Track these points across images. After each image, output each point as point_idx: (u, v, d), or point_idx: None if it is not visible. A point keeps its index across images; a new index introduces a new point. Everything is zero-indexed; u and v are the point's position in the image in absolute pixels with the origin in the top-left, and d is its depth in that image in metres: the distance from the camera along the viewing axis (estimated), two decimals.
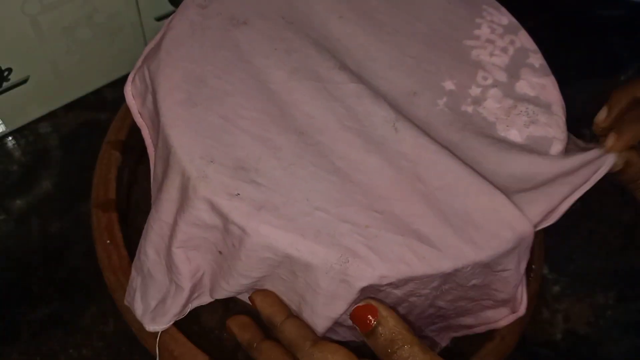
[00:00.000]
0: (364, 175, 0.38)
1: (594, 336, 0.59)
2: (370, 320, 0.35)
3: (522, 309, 0.45)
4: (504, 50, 0.47)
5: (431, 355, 0.35)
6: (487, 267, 0.38)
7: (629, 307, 0.60)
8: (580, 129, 0.71)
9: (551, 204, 0.39)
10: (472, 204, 0.38)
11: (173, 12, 0.62)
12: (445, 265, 0.36)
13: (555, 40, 0.76)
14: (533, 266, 0.50)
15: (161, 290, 0.40)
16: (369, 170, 0.38)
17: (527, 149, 0.42)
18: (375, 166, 0.39)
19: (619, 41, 0.77)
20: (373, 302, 0.36)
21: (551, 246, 0.62)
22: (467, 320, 0.45)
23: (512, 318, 0.45)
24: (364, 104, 0.41)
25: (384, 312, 0.35)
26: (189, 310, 0.41)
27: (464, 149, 0.41)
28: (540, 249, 0.51)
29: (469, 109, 0.44)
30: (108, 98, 0.66)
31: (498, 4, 0.50)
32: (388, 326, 0.35)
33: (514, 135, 0.43)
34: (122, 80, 0.66)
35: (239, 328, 0.41)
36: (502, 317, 0.45)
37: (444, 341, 0.48)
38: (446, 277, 0.37)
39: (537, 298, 0.49)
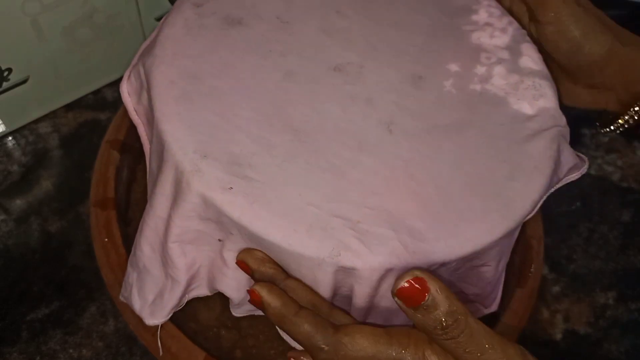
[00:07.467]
0: (358, 173, 0.38)
1: (594, 336, 0.58)
2: (423, 294, 0.31)
3: (494, 306, 0.46)
4: (503, 30, 0.47)
5: (483, 326, 0.32)
6: (469, 260, 0.38)
7: (629, 307, 0.60)
8: (580, 129, 0.72)
9: (545, 183, 0.40)
10: (462, 203, 0.38)
11: None
12: (437, 258, 0.36)
13: None
14: (532, 265, 0.50)
15: (158, 284, 0.41)
16: (363, 168, 0.39)
17: (538, 123, 0.42)
18: (369, 164, 0.39)
19: None
20: (419, 273, 0.31)
21: (551, 246, 0.62)
22: None
23: (482, 313, 0.46)
24: (359, 105, 0.42)
25: (434, 283, 0.31)
26: (186, 300, 0.42)
27: (477, 129, 0.42)
28: (539, 247, 0.51)
29: (477, 87, 0.44)
30: (108, 98, 0.66)
31: None
32: (443, 297, 0.31)
33: (526, 108, 0.43)
34: None
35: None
36: (473, 311, 0.46)
37: None
38: (432, 272, 0.37)
39: (537, 298, 0.49)
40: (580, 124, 0.70)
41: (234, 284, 0.39)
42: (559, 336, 0.58)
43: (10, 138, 0.63)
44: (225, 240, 0.38)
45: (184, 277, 0.39)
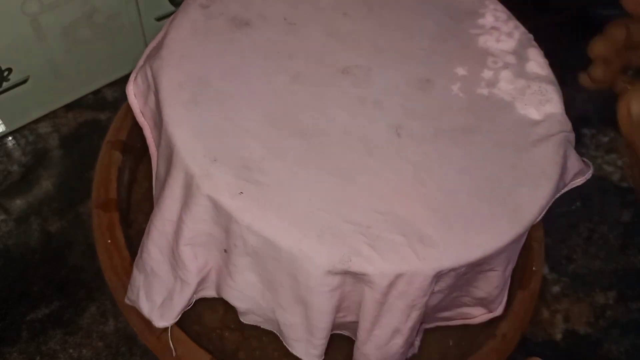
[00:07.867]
0: (367, 177, 0.38)
1: (594, 336, 0.59)
2: None
3: (499, 310, 0.46)
4: (510, 35, 0.47)
5: None
6: (477, 265, 0.38)
7: (629, 307, 0.60)
8: (581, 129, 0.72)
9: (552, 189, 0.40)
10: (471, 209, 0.38)
11: (173, 12, 0.62)
12: (446, 264, 0.36)
13: (556, 40, 0.76)
14: (533, 267, 0.50)
15: (166, 287, 0.41)
16: (372, 172, 0.39)
17: (545, 129, 0.42)
18: (378, 168, 0.39)
19: None
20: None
21: (551, 246, 0.62)
22: (443, 313, 0.46)
23: (488, 317, 0.46)
24: (367, 109, 0.42)
25: None
26: (194, 300, 0.41)
27: (484, 133, 0.42)
28: (540, 249, 0.51)
29: (484, 91, 0.44)
30: (108, 98, 0.66)
31: None
32: None
33: (533, 113, 0.43)
34: (122, 80, 0.66)
35: None
36: (478, 315, 0.46)
37: (419, 335, 0.48)
38: (441, 276, 0.37)
39: (537, 298, 0.50)
40: (581, 125, 0.70)
41: (239, 296, 0.39)
42: (559, 336, 0.58)
43: (10, 138, 0.62)
44: (230, 252, 0.38)
45: (194, 280, 0.39)
